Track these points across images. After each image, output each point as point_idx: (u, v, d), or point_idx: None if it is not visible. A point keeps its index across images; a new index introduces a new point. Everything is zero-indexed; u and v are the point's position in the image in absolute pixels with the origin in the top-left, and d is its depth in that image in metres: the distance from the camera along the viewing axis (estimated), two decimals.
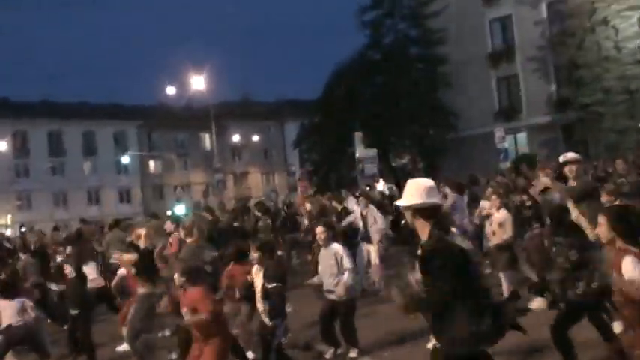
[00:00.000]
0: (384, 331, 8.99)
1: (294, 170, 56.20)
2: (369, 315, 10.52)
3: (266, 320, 7.30)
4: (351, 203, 15.85)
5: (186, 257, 8.66)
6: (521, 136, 40.01)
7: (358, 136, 32.77)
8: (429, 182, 4.57)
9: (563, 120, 37.04)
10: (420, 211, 4.37)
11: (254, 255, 7.55)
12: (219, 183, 40.88)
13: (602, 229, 4.56)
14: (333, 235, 8.60)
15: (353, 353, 8.23)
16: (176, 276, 6.51)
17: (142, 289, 8.65)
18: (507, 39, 40.66)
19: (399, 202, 4.56)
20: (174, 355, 8.80)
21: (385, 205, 18.98)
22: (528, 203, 11.30)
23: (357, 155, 32.27)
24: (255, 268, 7.67)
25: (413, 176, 36.74)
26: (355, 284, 8.39)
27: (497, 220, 10.19)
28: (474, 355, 4.25)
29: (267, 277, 7.24)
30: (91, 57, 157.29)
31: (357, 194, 16.20)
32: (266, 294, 7.21)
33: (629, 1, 32.22)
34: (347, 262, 8.11)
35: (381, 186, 31.88)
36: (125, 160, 59.79)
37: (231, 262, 8.84)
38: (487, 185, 17.79)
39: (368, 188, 28.60)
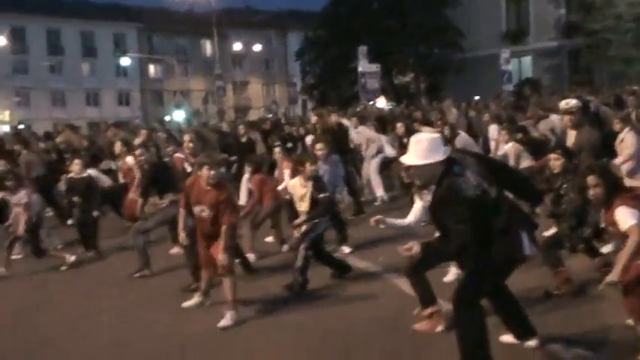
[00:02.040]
0: (378, 236, 9.19)
1: (295, 82, 55.87)
2: (363, 221, 10.79)
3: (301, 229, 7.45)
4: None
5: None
6: (526, 60, 39.69)
7: (362, 50, 32.43)
8: (432, 139, 4.54)
9: (570, 45, 36.65)
10: (426, 167, 4.42)
11: (308, 167, 7.64)
12: (220, 90, 40.58)
13: None
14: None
15: (346, 249, 8.97)
16: (205, 171, 6.40)
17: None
18: None
19: (404, 160, 4.57)
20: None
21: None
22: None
23: (360, 69, 32.03)
24: (299, 179, 7.77)
25: (415, 95, 36.74)
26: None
27: (508, 153, 10.12)
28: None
29: (317, 189, 7.50)
30: None
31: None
32: (314, 203, 7.46)
33: None
34: (341, 172, 9.38)
35: (382, 102, 31.85)
36: (125, 62, 58.99)
37: (255, 172, 9.45)
38: (486, 110, 17.76)
39: (371, 103, 28.66)
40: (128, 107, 62.57)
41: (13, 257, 9.54)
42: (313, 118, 14.25)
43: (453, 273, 6.88)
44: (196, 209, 6.53)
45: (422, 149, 4.42)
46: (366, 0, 43.94)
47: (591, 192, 4.84)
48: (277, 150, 10.51)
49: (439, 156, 4.39)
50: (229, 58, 66.65)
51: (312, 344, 5.65)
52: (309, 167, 7.59)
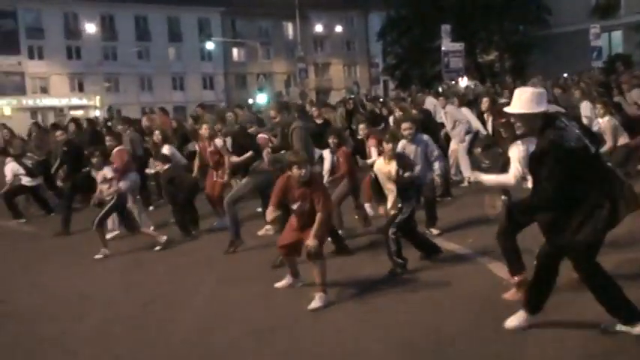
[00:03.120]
0: (466, 218, 9.11)
1: (377, 62, 55.58)
2: (450, 203, 10.73)
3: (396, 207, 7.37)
4: (430, 103, 15.72)
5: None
6: (617, 35, 38.21)
7: (445, 28, 31.97)
8: (537, 90, 4.82)
9: None
10: (529, 116, 4.67)
11: (386, 146, 7.57)
12: (302, 72, 40.81)
13: None
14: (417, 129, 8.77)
15: (435, 231, 8.88)
16: (295, 170, 6.52)
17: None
18: None
19: (509, 109, 4.83)
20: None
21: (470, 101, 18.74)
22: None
23: (443, 48, 31.61)
24: (383, 158, 7.68)
25: (500, 73, 35.97)
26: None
27: (604, 128, 9.91)
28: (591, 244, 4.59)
29: (402, 167, 7.39)
30: None
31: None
32: (401, 182, 7.36)
33: None
34: (435, 151, 8.46)
35: (464, 82, 31.33)
36: (209, 46, 60.10)
37: (339, 146, 9.41)
38: (576, 86, 17.27)
39: (453, 82, 28.26)
40: (212, 91, 63.79)
41: (108, 237, 9.94)
42: (397, 113, 14.13)
43: None
44: (294, 206, 6.68)
45: (526, 100, 4.68)
46: None
47: None
48: (362, 126, 10.45)
49: (542, 107, 4.65)
50: (311, 40, 66.88)
51: (403, 326, 5.66)
52: (386, 146, 7.52)
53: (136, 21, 61.40)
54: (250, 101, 42.23)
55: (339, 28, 69.29)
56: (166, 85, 62.42)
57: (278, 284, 7.10)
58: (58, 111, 52.10)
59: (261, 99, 42.13)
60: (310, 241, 6.35)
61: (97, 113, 49.43)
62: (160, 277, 8.27)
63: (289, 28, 66.58)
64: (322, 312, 6.24)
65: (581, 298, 5.06)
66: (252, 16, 64.79)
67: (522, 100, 4.67)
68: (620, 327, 4.76)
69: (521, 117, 4.75)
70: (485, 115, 11.71)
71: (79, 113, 47.92)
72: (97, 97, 56.54)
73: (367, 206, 9.60)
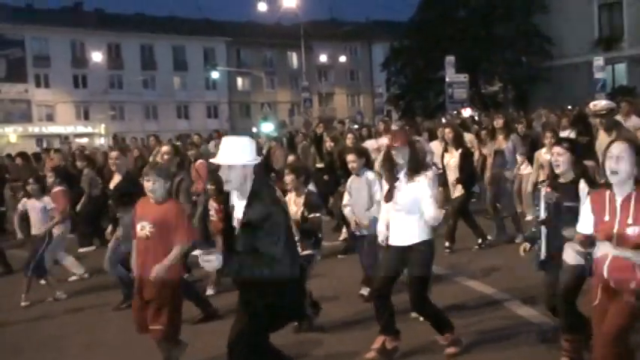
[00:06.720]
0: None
1: (380, 92, 55.86)
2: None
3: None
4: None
5: None
6: (621, 67, 38.36)
7: (449, 59, 32.20)
8: (244, 141, 4.34)
9: None
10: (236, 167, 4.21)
11: (288, 178, 6.70)
12: (306, 102, 40.97)
13: None
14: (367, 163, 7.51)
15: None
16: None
17: None
18: None
19: (214, 160, 4.35)
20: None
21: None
22: None
23: (447, 79, 31.81)
24: (292, 194, 6.76)
25: (503, 104, 35.89)
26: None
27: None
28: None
29: (307, 206, 6.52)
30: None
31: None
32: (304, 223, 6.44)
33: None
34: (378, 193, 6.91)
35: (468, 113, 31.45)
36: (214, 75, 60.57)
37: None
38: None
39: (455, 113, 28.34)
40: (217, 119, 64.11)
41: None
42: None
43: None
44: (139, 227, 5.51)
45: (234, 149, 4.25)
46: (452, 8, 43.58)
47: None
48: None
49: (248, 158, 4.24)
50: (315, 70, 67.32)
51: None
52: (288, 178, 6.69)
53: (142, 50, 62.06)
54: (254, 130, 42.26)
55: (343, 58, 69.80)
56: (171, 113, 62.87)
57: None
58: (63, 138, 52.26)
59: (268, 127, 42.28)
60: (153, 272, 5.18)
61: (101, 141, 49.71)
62: None
63: (294, 58, 67.14)
64: None
65: None
66: (257, 46, 65.40)
67: (230, 150, 4.23)
68: None
69: (230, 168, 4.20)
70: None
71: (84, 141, 48.26)
72: (102, 125, 56.84)
73: None
